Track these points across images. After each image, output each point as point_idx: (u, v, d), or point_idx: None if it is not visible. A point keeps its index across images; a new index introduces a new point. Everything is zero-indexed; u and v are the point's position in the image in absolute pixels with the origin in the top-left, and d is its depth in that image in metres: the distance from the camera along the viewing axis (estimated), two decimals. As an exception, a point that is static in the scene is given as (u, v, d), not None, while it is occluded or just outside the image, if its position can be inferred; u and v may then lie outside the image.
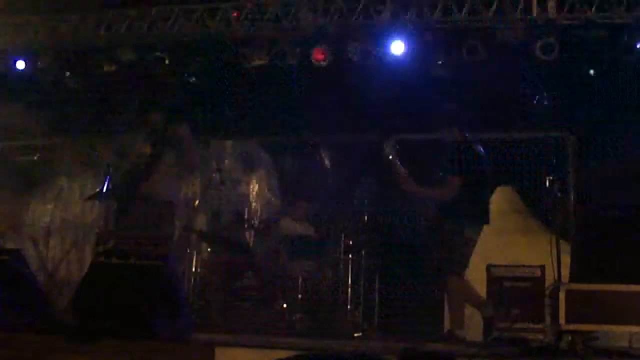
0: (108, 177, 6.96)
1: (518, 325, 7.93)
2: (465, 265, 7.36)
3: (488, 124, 9.56)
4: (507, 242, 9.38)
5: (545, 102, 6.77)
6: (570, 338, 5.88)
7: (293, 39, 10.01)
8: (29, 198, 11.39)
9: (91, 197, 7.83)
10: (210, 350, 5.61)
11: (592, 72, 9.24)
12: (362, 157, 9.96)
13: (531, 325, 7.78)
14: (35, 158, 10.94)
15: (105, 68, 10.54)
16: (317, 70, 9.89)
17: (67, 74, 10.75)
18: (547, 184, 6.50)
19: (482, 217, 7.47)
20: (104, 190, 6.95)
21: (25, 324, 6.25)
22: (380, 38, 9.69)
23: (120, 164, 7.18)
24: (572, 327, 5.72)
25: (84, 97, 10.68)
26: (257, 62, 10.19)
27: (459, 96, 9.69)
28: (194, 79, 10.52)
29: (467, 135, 7.53)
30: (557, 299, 5.83)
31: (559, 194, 6.39)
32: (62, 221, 11.03)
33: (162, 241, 7.01)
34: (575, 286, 5.81)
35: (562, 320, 5.74)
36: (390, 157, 7.38)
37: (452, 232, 7.25)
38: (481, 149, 7.54)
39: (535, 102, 6.71)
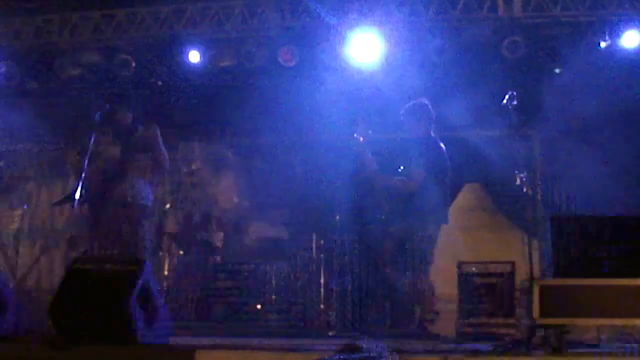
0: (78, 182, 6.90)
1: (490, 321, 8.04)
2: (429, 262, 7.48)
3: (455, 122, 9.66)
4: (476, 238, 9.48)
5: (515, 102, 6.83)
6: (543, 332, 5.98)
7: (260, 40, 10.00)
8: (-4, 204, 11.31)
9: (58, 203, 7.73)
10: (190, 353, 5.62)
11: (557, 70, 9.34)
12: (332, 157, 10.01)
13: (502, 321, 7.85)
14: (1, 164, 10.81)
15: (70, 72, 10.45)
16: (285, 71, 9.89)
17: (32, 78, 10.67)
18: (517, 181, 6.58)
19: (442, 215, 7.61)
20: (74, 195, 6.88)
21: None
22: (349, 38, 9.72)
23: (92, 167, 7.11)
24: (545, 321, 5.81)
25: (49, 102, 10.56)
26: (224, 64, 10.18)
27: (425, 95, 9.79)
28: (160, 81, 10.48)
29: (431, 131, 7.70)
30: (530, 294, 5.93)
31: (529, 192, 6.47)
32: (30, 227, 10.95)
33: (138, 245, 6.99)
34: (549, 281, 5.91)
35: (535, 315, 5.84)
36: (361, 138, 7.52)
37: (411, 231, 7.38)
38: (443, 147, 7.69)
39: (504, 101, 6.79)
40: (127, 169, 7.20)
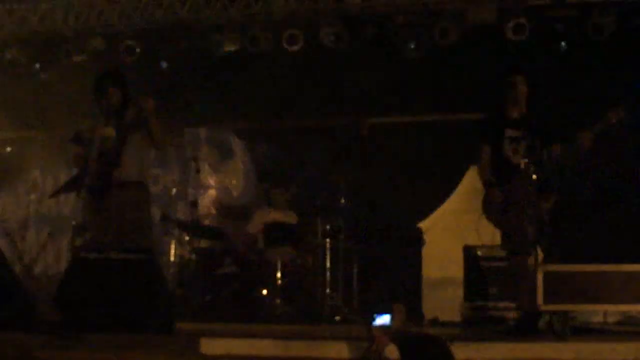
0: (76, 169, 6.90)
1: (496, 305, 8.05)
2: None
3: (460, 104, 9.66)
4: (483, 221, 9.45)
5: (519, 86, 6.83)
6: (548, 318, 6.00)
7: (264, 24, 9.99)
8: (1, 192, 11.33)
9: (55, 194, 7.67)
10: (195, 340, 5.66)
11: (563, 44, 9.26)
12: (338, 141, 10.01)
13: (508, 304, 7.85)
14: (9, 150, 10.82)
15: (75, 58, 10.46)
16: (290, 55, 9.88)
17: (37, 64, 10.68)
18: (522, 166, 6.56)
19: None
20: (72, 182, 6.87)
21: (6, 320, 6.25)
22: (352, 22, 9.70)
23: (89, 152, 7.07)
24: (549, 307, 5.82)
25: (55, 88, 10.56)
26: (228, 48, 10.17)
27: (431, 79, 9.79)
28: (165, 66, 10.47)
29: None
30: (535, 279, 5.94)
31: (534, 176, 6.45)
32: (36, 214, 10.97)
33: (142, 230, 6.96)
34: (553, 267, 5.90)
35: (539, 301, 5.85)
36: None
37: None
38: None
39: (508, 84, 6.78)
40: (123, 150, 7.10)
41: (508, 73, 6.93)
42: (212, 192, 10.38)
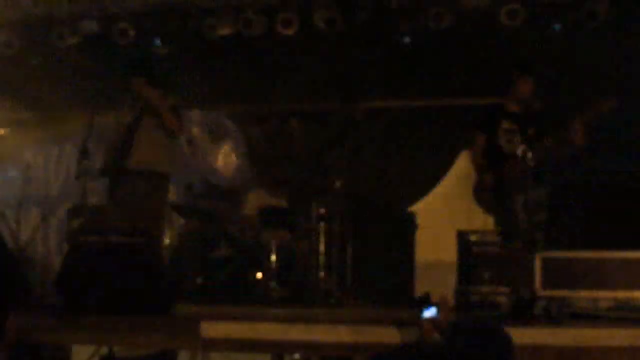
0: (83, 153, 6.93)
1: (489, 290, 8.11)
2: None
3: (451, 90, 9.70)
4: (475, 206, 9.52)
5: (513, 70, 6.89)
6: (544, 303, 6.07)
7: (258, 7, 9.96)
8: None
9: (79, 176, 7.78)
10: (195, 323, 5.70)
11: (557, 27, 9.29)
12: (332, 125, 10.02)
13: (501, 289, 7.92)
14: (3, 132, 10.79)
15: (68, 41, 10.40)
16: (284, 39, 9.87)
17: (30, 47, 10.61)
18: (520, 152, 6.62)
19: None
20: (82, 167, 6.91)
21: (6, 303, 6.28)
22: (346, 5, 9.68)
23: (116, 137, 7.15)
24: (547, 293, 5.91)
25: (48, 71, 10.51)
26: (222, 32, 10.14)
27: (424, 63, 9.80)
28: (159, 49, 10.43)
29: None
30: (531, 265, 6.02)
31: (531, 163, 6.51)
32: (28, 194, 10.93)
33: (156, 218, 7.02)
34: (550, 254, 5.98)
35: (537, 286, 5.93)
36: None
37: None
38: None
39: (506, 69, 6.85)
40: (137, 136, 7.17)
41: (516, 70, 6.99)
42: (205, 175, 10.38)
